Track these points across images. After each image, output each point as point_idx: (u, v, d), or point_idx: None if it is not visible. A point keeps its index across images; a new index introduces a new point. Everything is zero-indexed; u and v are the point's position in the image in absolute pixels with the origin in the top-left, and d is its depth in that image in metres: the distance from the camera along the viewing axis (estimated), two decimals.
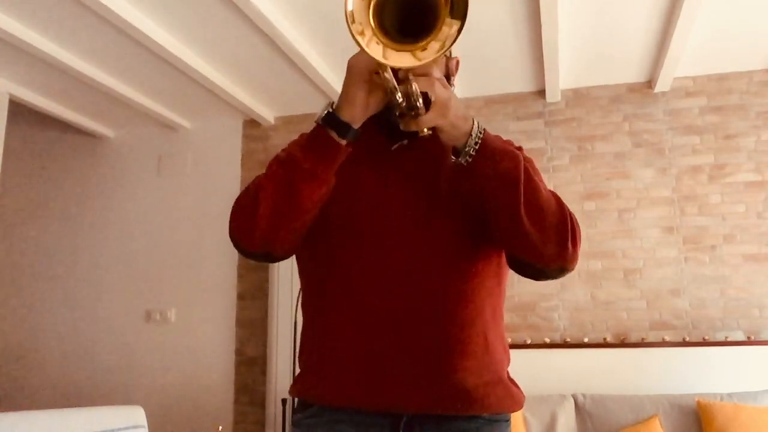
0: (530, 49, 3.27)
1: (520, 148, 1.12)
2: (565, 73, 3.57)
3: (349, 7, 0.82)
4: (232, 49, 3.18)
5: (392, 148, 1.05)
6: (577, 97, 3.77)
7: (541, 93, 3.78)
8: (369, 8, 0.83)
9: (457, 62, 1.14)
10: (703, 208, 3.50)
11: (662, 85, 3.59)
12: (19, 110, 3.80)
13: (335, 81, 3.53)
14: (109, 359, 4.04)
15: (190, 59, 3.18)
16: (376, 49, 0.83)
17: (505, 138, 1.15)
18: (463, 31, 0.82)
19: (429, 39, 0.83)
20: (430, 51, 0.82)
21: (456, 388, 0.99)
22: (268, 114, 4.08)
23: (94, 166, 4.37)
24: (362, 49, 0.82)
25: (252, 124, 4.18)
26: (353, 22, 0.82)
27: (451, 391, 0.99)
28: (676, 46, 3.11)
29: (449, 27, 0.82)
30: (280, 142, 4.08)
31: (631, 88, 3.72)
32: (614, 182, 3.63)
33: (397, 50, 0.83)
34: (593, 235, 3.58)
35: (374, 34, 0.83)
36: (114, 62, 3.28)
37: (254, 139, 4.17)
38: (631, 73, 3.61)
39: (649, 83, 3.69)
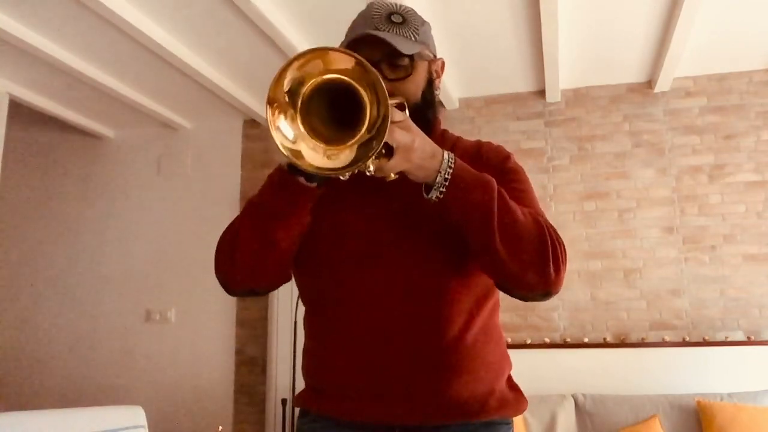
0: (530, 49, 3.27)
1: (508, 157, 1.11)
2: (565, 73, 3.57)
3: (282, 146, 0.84)
4: (232, 49, 3.18)
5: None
6: (577, 97, 3.77)
7: (541, 93, 3.78)
8: (297, 120, 0.85)
9: (443, 64, 1.14)
10: (703, 208, 3.50)
11: (662, 85, 3.59)
12: (19, 110, 3.80)
13: None
14: (109, 359, 4.04)
15: (190, 59, 3.17)
16: (314, 156, 0.85)
17: (504, 138, 1.15)
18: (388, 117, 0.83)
19: (342, 147, 0.84)
20: (335, 161, 0.84)
21: (449, 402, 1.00)
22: None
23: (94, 166, 4.37)
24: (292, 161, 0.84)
25: (252, 124, 4.18)
26: (293, 148, 0.84)
27: (444, 405, 1.00)
28: (676, 46, 3.11)
29: (351, 151, 0.84)
30: None
31: (631, 88, 3.72)
32: (614, 182, 3.63)
33: (335, 148, 0.85)
34: (593, 235, 3.58)
35: (309, 141, 0.85)
36: (114, 62, 3.28)
37: (254, 139, 4.17)
38: (631, 73, 3.61)
39: (649, 83, 3.69)
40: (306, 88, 0.85)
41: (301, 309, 1.16)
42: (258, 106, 3.94)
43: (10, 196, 4.37)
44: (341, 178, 0.90)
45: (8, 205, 4.38)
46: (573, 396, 3.19)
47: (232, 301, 3.94)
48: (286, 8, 2.80)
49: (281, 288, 3.80)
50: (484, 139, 1.17)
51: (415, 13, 1.09)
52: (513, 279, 0.95)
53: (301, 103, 0.85)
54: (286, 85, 0.84)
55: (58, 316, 4.18)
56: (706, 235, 3.47)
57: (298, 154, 0.84)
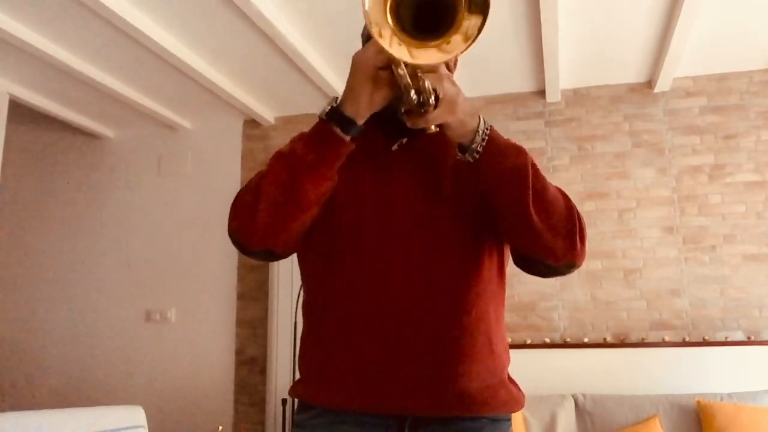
0: (530, 49, 3.27)
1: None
2: (565, 73, 3.57)
3: (366, 6, 0.80)
4: (232, 49, 3.18)
5: (392, 148, 1.05)
6: (577, 97, 3.77)
7: (541, 93, 3.78)
8: (386, 8, 0.82)
9: (456, 59, 1.14)
10: (703, 208, 3.50)
11: (662, 85, 3.59)
12: (19, 110, 3.80)
13: (335, 81, 3.53)
14: (109, 359, 4.04)
15: (190, 59, 3.18)
16: (399, 50, 0.81)
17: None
18: (486, 24, 0.80)
19: (450, 33, 0.81)
20: (454, 44, 0.80)
21: (459, 391, 0.99)
22: (268, 114, 4.08)
23: (94, 166, 4.37)
24: (385, 50, 0.81)
25: (252, 124, 4.18)
26: (371, 23, 0.80)
27: (454, 394, 0.99)
28: (676, 46, 3.11)
29: (469, 20, 0.80)
30: (280, 142, 4.07)
31: (631, 88, 3.72)
32: (614, 182, 3.63)
33: (419, 47, 0.81)
34: (593, 235, 3.58)
35: (394, 33, 0.81)
36: (114, 62, 3.28)
37: (254, 139, 4.17)
38: (631, 73, 3.61)
39: (649, 83, 3.69)
40: None
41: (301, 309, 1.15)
42: (258, 106, 3.94)
43: (10, 196, 4.37)
44: (413, 98, 0.87)
45: (8, 205, 4.38)
46: (573, 396, 3.19)
47: (232, 301, 3.95)
48: (286, 8, 2.80)
49: (281, 288, 3.82)
50: None
51: None
52: (543, 246, 0.96)
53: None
54: None
55: (58, 316, 4.18)
56: (706, 235, 3.47)
57: (380, 32, 0.81)
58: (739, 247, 3.42)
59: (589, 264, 3.54)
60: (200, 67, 3.28)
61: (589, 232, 3.41)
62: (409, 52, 0.81)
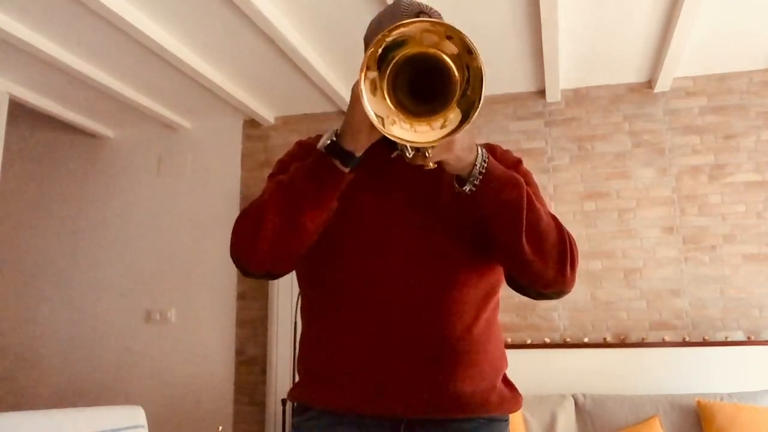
0: (530, 49, 3.27)
1: (519, 161, 1.12)
2: (565, 73, 3.57)
3: (372, 114, 0.83)
4: (232, 49, 3.18)
5: (392, 156, 1.06)
6: (577, 97, 3.77)
7: (541, 93, 3.78)
8: (384, 97, 0.84)
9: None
10: (703, 208, 3.50)
11: (662, 85, 3.59)
12: (19, 110, 3.80)
13: (335, 81, 3.53)
14: (109, 359, 4.04)
15: (190, 59, 3.18)
16: (402, 132, 0.84)
17: (504, 138, 1.15)
18: (468, 122, 0.83)
19: (445, 112, 0.84)
20: (449, 125, 0.83)
21: (454, 395, 1.01)
22: (268, 114, 4.08)
23: (94, 166, 4.37)
24: (400, 139, 0.84)
25: (252, 124, 4.18)
26: (381, 121, 0.83)
27: (449, 398, 1.01)
28: (676, 46, 3.11)
29: (455, 114, 0.83)
30: (280, 142, 4.09)
31: (631, 88, 3.72)
32: (614, 182, 3.63)
33: (421, 121, 0.85)
34: (593, 235, 3.58)
35: (397, 116, 0.85)
36: (114, 62, 3.28)
37: (254, 139, 4.17)
38: (631, 73, 3.61)
39: (649, 83, 3.69)
40: (398, 58, 0.84)
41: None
42: (258, 106, 3.94)
43: (10, 196, 4.37)
44: (427, 153, 0.90)
45: (8, 205, 4.38)
46: (573, 396, 3.19)
47: (232, 301, 3.95)
48: (286, 8, 2.80)
49: (281, 288, 3.83)
50: (483, 140, 1.18)
51: (441, 15, 1.10)
52: (533, 275, 0.99)
53: (391, 75, 0.84)
54: (382, 52, 0.82)
55: (58, 316, 4.18)
56: (706, 235, 3.47)
57: (383, 122, 0.84)
58: (739, 247, 3.42)
59: (589, 264, 3.54)
60: (200, 67, 3.28)
61: (589, 232, 3.40)
62: (412, 128, 0.84)
